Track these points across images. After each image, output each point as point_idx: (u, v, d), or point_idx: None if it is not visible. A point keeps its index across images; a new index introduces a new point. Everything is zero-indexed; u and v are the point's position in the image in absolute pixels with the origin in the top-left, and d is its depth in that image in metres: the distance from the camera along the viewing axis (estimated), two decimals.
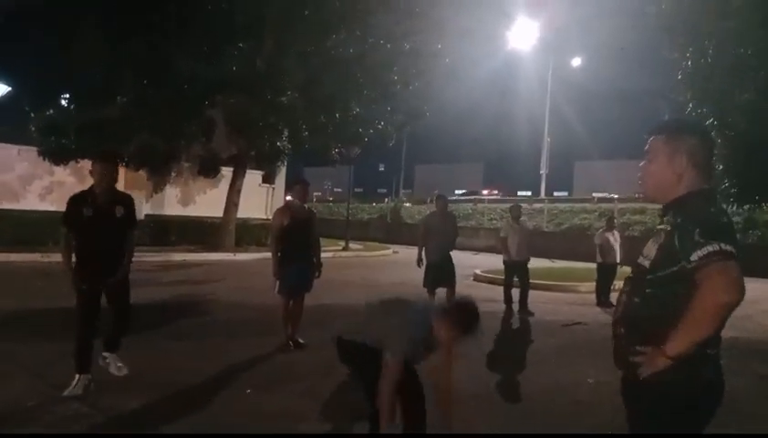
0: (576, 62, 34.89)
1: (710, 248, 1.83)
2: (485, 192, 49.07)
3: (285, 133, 17.12)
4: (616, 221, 13.20)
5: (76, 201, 4.55)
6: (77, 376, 4.48)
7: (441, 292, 8.37)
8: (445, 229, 8.47)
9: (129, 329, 4.92)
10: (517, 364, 6.45)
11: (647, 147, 2.14)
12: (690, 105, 10.56)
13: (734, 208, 11.44)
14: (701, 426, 2.03)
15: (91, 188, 4.60)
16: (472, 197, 37.19)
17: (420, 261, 8.50)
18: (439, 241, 8.33)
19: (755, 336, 8.59)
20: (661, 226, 2.07)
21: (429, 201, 35.04)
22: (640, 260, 2.09)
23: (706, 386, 1.99)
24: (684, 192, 2.04)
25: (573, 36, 40.74)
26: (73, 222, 4.51)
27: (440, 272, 8.26)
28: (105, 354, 4.82)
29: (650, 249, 2.06)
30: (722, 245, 1.83)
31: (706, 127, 2.34)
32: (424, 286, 8.37)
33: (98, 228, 4.49)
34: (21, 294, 8.96)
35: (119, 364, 4.82)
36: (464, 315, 3.18)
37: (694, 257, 1.85)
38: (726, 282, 1.82)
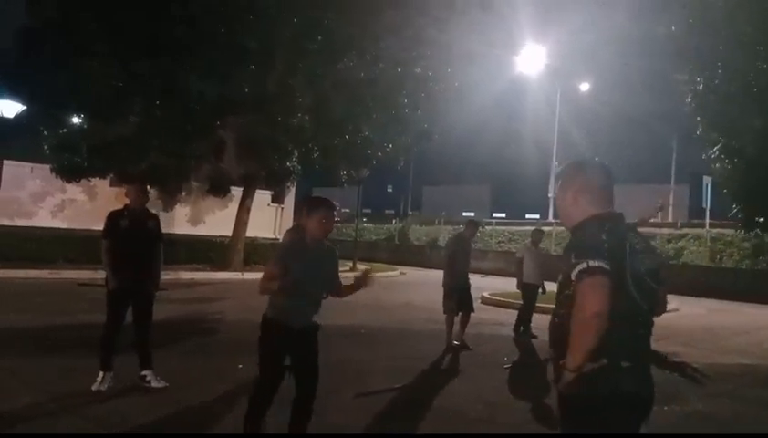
0: (585, 86, 35.03)
1: (581, 266, 2.05)
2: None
3: (295, 154, 17.24)
4: None
5: (114, 215, 5.24)
6: (101, 373, 4.99)
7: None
8: (468, 254, 8.49)
9: (151, 342, 5.28)
10: (522, 386, 6.39)
11: (556, 192, 2.48)
12: (699, 130, 10.54)
13: (743, 233, 11.33)
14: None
15: (126, 206, 5.29)
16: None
17: (447, 285, 8.25)
18: (464, 266, 8.31)
19: (764, 362, 8.50)
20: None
21: (436, 222, 35.00)
22: (557, 285, 2.30)
23: (624, 398, 2.07)
24: (578, 221, 2.30)
25: (581, 60, 40.93)
26: (112, 233, 5.15)
27: (464, 296, 8.22)
28: (144, 373, 5.18)
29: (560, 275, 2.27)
30: (590, 262, 2.03)
31: (593, 161, 2.69)
32: (445, 311, 8.21)
33: (134, 237, 5.15)
34: (28, 310, 9.01)
35: (158, 378, 5.21)
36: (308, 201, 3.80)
37: (573, 277, 2.07)
38: (589, 295, 2.00)
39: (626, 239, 2.16)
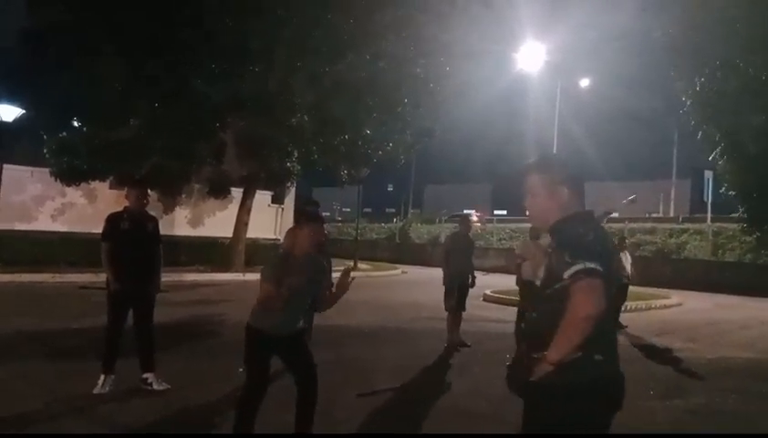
0: (585, 83, 34.93)
1: (576, 267, 2.08)
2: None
3: (295, 154, 17.22)
4: (627, 241, 13.14)
5: (114, 217, 5.25)
6: (102, 376, 4.99)
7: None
8: (468, 250, 8.39)
9: (155, 346, 5.25)
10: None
11: (527, 184, 2.43)
12: (702, 130, 10.52)
13: (746, 228, 11.32)
14: (591, 427, 2.19)
15: (125, 208, 5.28)
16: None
17: (445, 283, 8.21)
18: (462, 264, 8.22)
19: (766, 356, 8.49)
20: (549, 250, 2.32)
21: (437, 220, 35.00)
22: (533, 279, 2.35)
23: (594, 389, 2.16)
24: (561, 217, 2.30)
25: (582, 56, 40.88)
26: (112, 235, 5.15)
27: (462, 293, 8.19)
28: (145, 375, 5.16)
29: (542, 270, 2.31)
30: (587, 264, 2.07)
31: (565, 157, 2.80)
32: (447, 309, 8.19)
33: (134, 239, 5.15)
34: (29, 314, 9.00)
35: (160, 380, 5.18)
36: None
37: (566, 276, 2.10)
38: (588, 297, 2.05)
39: (608, 240, 2.25)
